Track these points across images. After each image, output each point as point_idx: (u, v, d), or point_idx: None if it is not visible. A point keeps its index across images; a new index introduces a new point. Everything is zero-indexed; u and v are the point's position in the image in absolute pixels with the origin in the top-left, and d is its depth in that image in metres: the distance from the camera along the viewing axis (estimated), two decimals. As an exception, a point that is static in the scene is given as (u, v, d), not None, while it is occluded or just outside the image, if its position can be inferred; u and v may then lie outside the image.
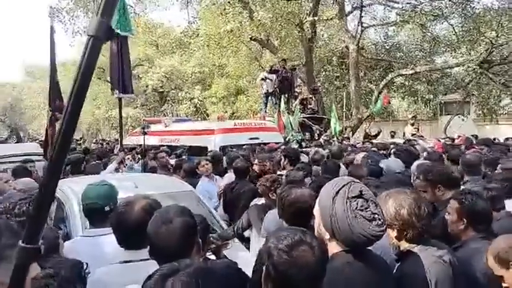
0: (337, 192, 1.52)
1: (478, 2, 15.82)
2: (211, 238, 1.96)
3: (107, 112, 26.40)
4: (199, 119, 22.57)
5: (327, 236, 1.54)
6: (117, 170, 5.99)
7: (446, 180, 2.85)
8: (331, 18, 16.87)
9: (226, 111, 21.88)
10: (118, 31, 6.51)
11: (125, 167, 6.11)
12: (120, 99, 6.79)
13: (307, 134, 11.88)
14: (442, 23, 17.17)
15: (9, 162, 5.49)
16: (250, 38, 15.42)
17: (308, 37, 15.04)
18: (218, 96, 24.49)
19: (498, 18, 14.07)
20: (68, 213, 2.91)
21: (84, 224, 2.57)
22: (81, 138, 28.06)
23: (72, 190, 3.05)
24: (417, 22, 16.34)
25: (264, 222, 2.82)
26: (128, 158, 6.52)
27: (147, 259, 1.68)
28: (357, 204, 1.49)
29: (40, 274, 1.04)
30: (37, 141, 15.42)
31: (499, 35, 14.14)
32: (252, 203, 3.58)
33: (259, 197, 3.56)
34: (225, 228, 3.63)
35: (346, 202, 1.49)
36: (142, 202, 1.82)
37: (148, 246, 1.59)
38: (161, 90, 26.50)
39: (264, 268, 1.27)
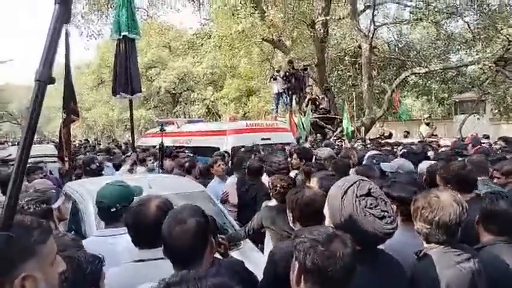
0: (346, 191, 1.52)
1: (494, -1, 15.53)
2: (219, 239, 1.95)
3: (120, 114, 26.73)
4: (211, 120, 22.69)
5: None
6: (130, 171, 6.07)
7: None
8: (343, 18, 16.76)
9: (238, 112, 21.93)
10: (125, 33, 6.62)
11: (146, 167, 6.20)
12: (130, 101, 6.89)
13: (319, 134, 11.82)
14: (457, 20, 16.88)
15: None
16: (262, 39, 15.41)
17: (320, 37, 14.96)
18: (230, 97, 24.57)
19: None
20: (82, 213, 2.96)
21: (98, 224, 2.60)
22: (95, 139, 28.48)
23: (87, 190, 3.10)
24: (431, 20, 16.10)
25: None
26: (150, 160, 6.59)
27: (161, 258, 1.70)
28: (366, 202, 1.49)
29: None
30: (53, 143, 15.72)
31: (515, 32, 13.85)
32: (263, 205, 3.57)
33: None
34: (237, 228, 3.64)
35: (356, 201, 1.49)
36: (156, 201, 1.84)
37: (162, 246, 1.60)
38: (174, 91, 26.72)
39: (296, 264, 1.28)
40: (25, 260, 0.97)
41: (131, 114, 7.14)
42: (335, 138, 10.57)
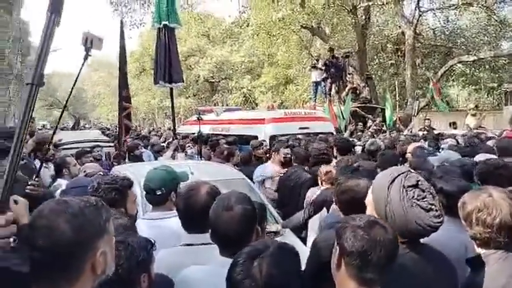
0: (393, 181, 1.50)
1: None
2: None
3: (161, 102, 27.48)
4: (248, 108, 22.78)
5: None
6: (173, 157, 6.25)
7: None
8: (387, 3, 16.09)
9: (275, 101, 21.88)
10: (166, 23, 6.71)
11: (185, 154, 6.36)
12: (171, 89, 7.02)
13: (360, 124, 11.55)
14: (510, 5, 15.79)
15: (75, 148, 5.91)
16: (301, 26, 15.18)
17: (361, 23, 14.52)
18: (267, 85, 24.53)
19: None
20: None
21: (145, 207, 2.70)
22: (138, 126, 29.58)
23: (134, 174, 3.22)
24: (482, 5, 15.14)
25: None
26: (189, 147, 6.76)
27: (209, 243, 1.75)
28: (414, 193, 1.46)
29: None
30: (100, 129, 16.52)
31: None
32: (308, 192, 3.58)
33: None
34: (276, 216, 3.66)
35: (402, 191, 1.46)
36: (206, 187, 1.89)
37: (210, 231, 1.65)
38: (212, 80, 27.08)
39: (337, 247, 1.30)
40: (100, 237, 1.06)
41: (172, 102, 7.30)
42: (376, 128, 10.28)
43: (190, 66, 25.84)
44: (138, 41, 30.19)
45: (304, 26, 15.22)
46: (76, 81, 2.83)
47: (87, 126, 32.74)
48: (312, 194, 3.51)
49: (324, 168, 3.51)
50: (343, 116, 10.71)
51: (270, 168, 4.89)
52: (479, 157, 3.58)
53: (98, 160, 5.48)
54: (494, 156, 3.52)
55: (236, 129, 8.15)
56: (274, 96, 24.05)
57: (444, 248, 1.64)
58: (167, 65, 6.60)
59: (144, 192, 2.42)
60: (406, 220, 1.43)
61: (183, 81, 7.21)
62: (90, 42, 2.10)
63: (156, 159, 6.56)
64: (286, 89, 23.71)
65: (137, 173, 3.26)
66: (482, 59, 15.92)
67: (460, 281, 1.63)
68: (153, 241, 1.48)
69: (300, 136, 6.78)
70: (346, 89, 13.47)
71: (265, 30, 16.21)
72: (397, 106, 14.85)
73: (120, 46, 5.93)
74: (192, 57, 26.12)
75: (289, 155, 4.74)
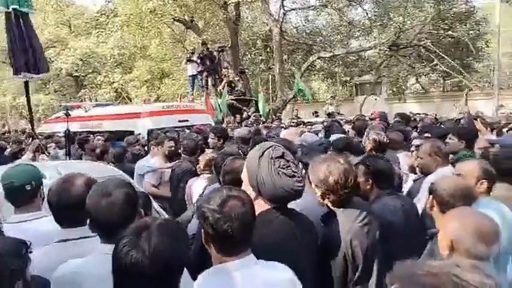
0: (263, 154, 1.69)
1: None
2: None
3: (14, 100, 23.85)
4: (121, 104, 21.47)
5: (254, 194, 1.69)
6: (33, 159, 5.54)
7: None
8: (255, 0, 17.01)
9: (151, 96, 21.10)
10: (16, 6, 5.92)
11: (47, 155, 5.66)
12: (26, 83, 6.16)
13: (237, 116, 12.02)
14: (357, 8, 18.33)
15: None
16: (174, 19, 14.95)
17: (232, 19, 15.02)
18: (141, 79, 23.47)
19: (404, 4, 15.38)
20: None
21: (8, 209, 2.36)
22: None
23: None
24: (334, 7, 17.20)
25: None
26: (51, 146, 6.03)
27: (88, 236, 1.66)
28: (280, 163, 1.67)
29: None
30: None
31: (405, 20, 15.50)
32: (189, 182, 3.63)
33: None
34: (160, 211, 3.62)
35: (270, 162, 1.66)
36: (82, 178, 1.76)
37: (88, 221, 1.56)
38: (76, 74, 24.57)
39: (202, 231, 1.41)
40: None
41: (28, 97, 6.38)
42: (254, 118, 10.85)
43: (50, 59, 22.97)
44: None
45: (176, 19, 15.02)
46: None
47: None
48: (191, 183, 3.60)
49: (203, 157, 3.61)
50: (220, 109, 11.01)
51: (154, 161, 4.78)
52: (333, 137, 4.20)
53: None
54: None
55: (109, 125, 7.66)
56: (149, 91, 23.17)
57: (305, 210, 1.89)
58: (29, 54, 5.80)
59: (4, 193, 2.11)
60: (274, 186, 1.63)
61: (47, 71, 6.41)
62: None
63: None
64: (162, 83, 23.09)
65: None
66: (337, 55, 18.11)
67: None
68: (28, 242, 1.32)
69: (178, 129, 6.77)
70: (223, 83, 13.82)
71: (135, 21, 15.46)
72: (271, 99, 15.92)
73: None
74: (51, 48, 23.21)
75: (173, 148, 4.71)
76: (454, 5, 16.36)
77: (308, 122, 9.23)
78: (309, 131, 6.01)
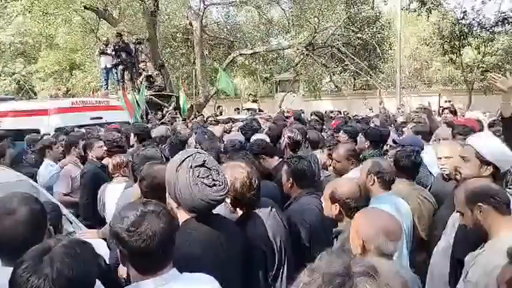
0: (181, 163, 1.63)
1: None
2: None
3: None
4: (23, 98, 19.36)
5: (175, 205, 1.66)
6: None
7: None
8: (174, -8, 16.53)
9: (59, 89, 19.34)
10: None
11: None
12: None
13: (159, 112, 11.61)
14: (276, 7, 18.82)
15: None
16: (84, 7, 13.84)
17: (150, 10, 14.39)
18: (47, 71, 21.40)
19: (319, 5, 16.18)
20: None
21: None
22: None
23: None
24: (254, 4, 17.45)
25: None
26: None
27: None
28: (199, 172, 1.61)
29: None
30: None
31: (320, 21, 16.34)
32: (102, 187, 3.43)
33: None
34: (73, 220, 3.36)
35: (189, 171, 1.60)
36: None
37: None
38: (-33, 63, 21.55)
39: (118, 251, 1.32)
40: None
41: None
42: (170, 116, 10.55)
43: None
44: None
45: (87, 7, 13.93)
46: None
47: None
48: (104, 188, 3.41)
49: (112, 161, 3.42)
50: (138, 105, 10.50)
51: (57, 167, 4.40)
52: (253, 137, 4.33)
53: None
54: (262, 136, 4.29)
55: (10, 123, 6.88)
56: (57, 84, 21.23)
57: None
58: None
59: None
60: (191, 197, 1.58)
61: None
62: None
63: None
64: (72, 75, 21.33)
65: None
66: (257, 52, 18.46)
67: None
68: None
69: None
70: (141, 77, 13.21)
71: (39, 6, 13.98)
72: (194, 94, 15.65)
73: None
74: None
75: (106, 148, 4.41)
76: (363, 9, 17.69)
77: (232, 119, 9.26)
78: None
